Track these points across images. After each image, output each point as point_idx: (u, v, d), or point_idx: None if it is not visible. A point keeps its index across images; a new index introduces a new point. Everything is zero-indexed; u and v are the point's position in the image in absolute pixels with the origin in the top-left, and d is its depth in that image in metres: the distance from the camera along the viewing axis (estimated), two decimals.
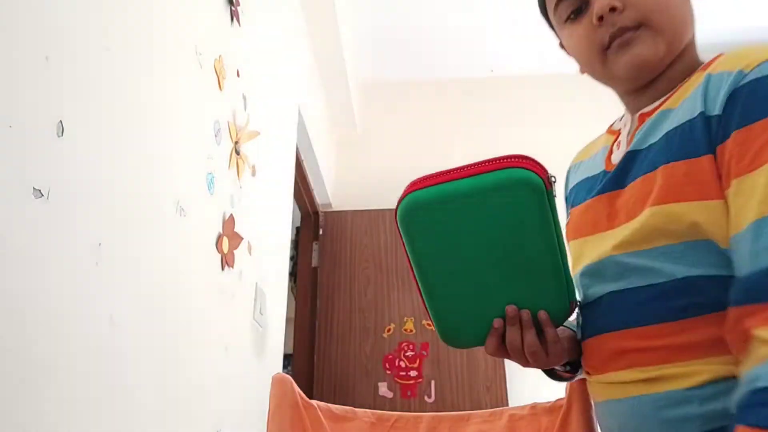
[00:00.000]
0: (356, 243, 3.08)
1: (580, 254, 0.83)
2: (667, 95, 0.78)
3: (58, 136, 0.83)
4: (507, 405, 2.63)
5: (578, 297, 0.83)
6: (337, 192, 3.38)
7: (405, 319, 2.92)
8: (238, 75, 1.61)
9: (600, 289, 0.77)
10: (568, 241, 0.86)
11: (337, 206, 3.31)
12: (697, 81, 0.73)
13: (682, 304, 0.68)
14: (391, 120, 3.59)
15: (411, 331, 2.89)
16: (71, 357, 0.84)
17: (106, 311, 0.93)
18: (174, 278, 1.18)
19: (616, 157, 0.81)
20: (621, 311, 0.74)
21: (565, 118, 3.27)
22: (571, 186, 0.95)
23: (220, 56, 1.47)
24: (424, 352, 2.84)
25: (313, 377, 2.82)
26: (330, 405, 1.43)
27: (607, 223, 0.78)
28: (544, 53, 3.46)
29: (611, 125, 0.92)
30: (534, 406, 1.37)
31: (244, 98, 1.65)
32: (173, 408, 1.16)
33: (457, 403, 2.70)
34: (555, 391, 1.13)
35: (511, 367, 2.82)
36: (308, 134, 2.65)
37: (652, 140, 0.75)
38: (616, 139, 0.85)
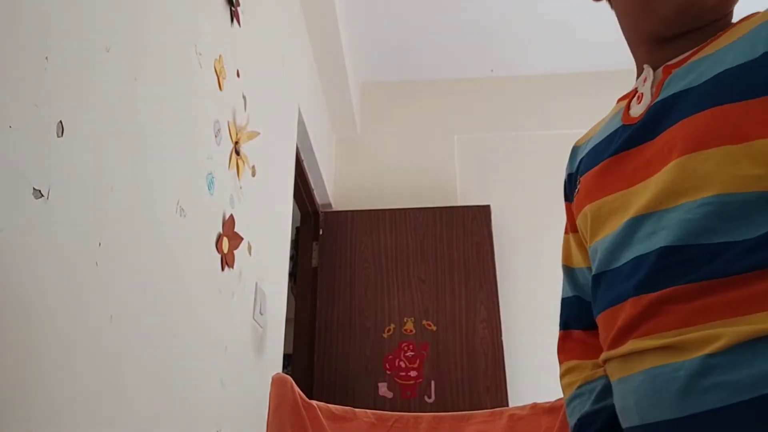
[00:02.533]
0: (356, 243, 3.08)
1: (599, 218, 0.76)
2: (696, 48, 0.73)
3: (58, 136, 0.83)
4: (507, 405, 2.63)
5: (593, 268, 0.78)
6: (337, 192, 3.38)
7: (405, 319, 2.92)
8: (238, 75, 1.61)
9: (626, 253, 0.70)
10: (580, 209, 0.81)
11: (337, 206, 3.31)
12: (743, 29, 0.69)
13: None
14: (391, 120, 3.59)
15: (411, 331, 2.89)
16: (71, 357, 0.84)
17: (106, 311, 0.93)
18: (174, 278, 1.18)
19: (638, 110, 0.75)
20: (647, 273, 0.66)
21: (566, 118, 3.27)
22: (578, 161, 0.89)
23: (220, 56, 1.47)
24: (424, 352, 2.84)
25: (313, 377, 2.82)
26: (330, 405, 1.43)
27: (634, 179, 0.71)
28: (544, 53, 3.47)
29: (619, 98, 0.87)
30: (534, 406, 1.37)
31: (244, 98, 1.65)
32: (173, 408, 1.16)
33: (457, 404, 2.70)
34: (555, 391, 1.13)
35: (511, 367, 2.82)
36: (308, 134, 2.65)
37: (693, 84, 0.69)
38: (632, 98, 0.79)
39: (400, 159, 3.45)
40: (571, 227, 0.91)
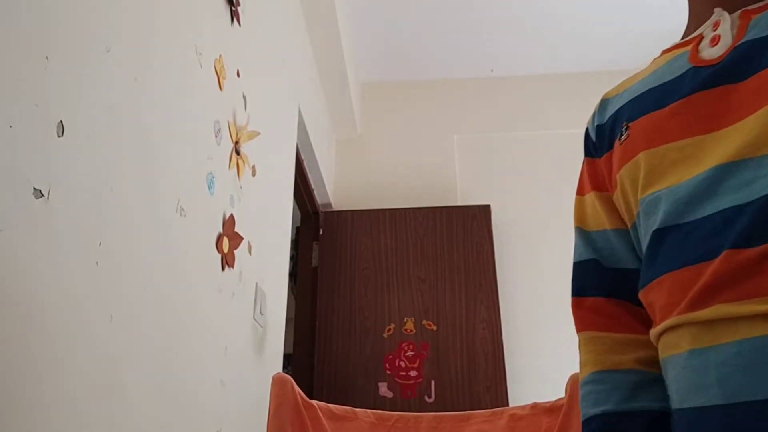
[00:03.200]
0: (356, 243, 3.08)
1: (661, 166, 0.67)
2: None
3: (58, 136, 0.83)
4: (507, 405, 2.63)
5: (649, 223, 0.68)
6: (337, 192, 3.39)
7: (405, 319, 2.92)
8: (238, 75, 1.61)
9: (712, 203, 0.61)
10: (627, 158, 0.72)
11: (337, 206, 3.31)
12: None
13: None
14: (391, 120, 3.60)
15: (411, 331, 2.89)
16: (71, 356, 0.84)
17: (106, 311, 0.93)
18: (174, 278, 1.18)
19: (716, 52, 0.67)
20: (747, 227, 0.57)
21: (566, 118, 3.27)
22: (613, 110, 0.79)
23: (220, 56, 1.47)
24: (424, 352, 2.84)
25: (313, 377, 2.82)
26: (330, 405, 1.43)
27: (714, 123, 0.63)
28: (544, 53, 3.47)
29: (664, 50, 0.79)
30: (534, 406, 1.37)
31: (244, 98, 1.65)
32: (173, 408, 1.16)
33: (457, 403, 2.70)
34: (555, 391, 1.13)
35: (511, 366, 2.82)
36: (308, 134, 2.65)
37: None
38: (697, 42, 0.71)
39: (400, 159, 3.45)
40: (594, 184, 0.82)
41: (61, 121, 0.83)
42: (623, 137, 0.74)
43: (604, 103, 0.84)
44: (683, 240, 0.63)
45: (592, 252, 0.80)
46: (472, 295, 2.93)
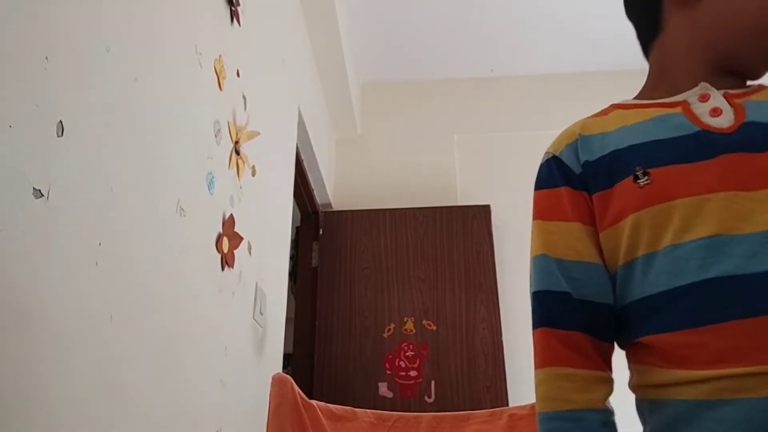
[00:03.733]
0: (356, 243, 3.08)
1: (704, 215, 0.70)
2: (743, 91, 0.80)
3: (58, 136, 0.83)
4: (507, 405, 2.63)
5: (689, 267, 0.70)
6: (337, 192, 3.39)
7: (405, 319, 2.92)
8: (238, 75, 1.61)
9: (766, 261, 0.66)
10: (661, 200, 0.74)
11: (337, 206, 3.31)
12: None
13: None
14: (391, 120, 3.60)
15: (411, 331, 2.89)
16: (71, 357, 0.84)
17: (106, 311, 0.93)
18: (174, 278, 1.18)
19: (723, 123, 0.76)
20: None
21: (565, 118, 3.27)
22: (609, 151, 0.81)
23: (220, 56, 1.47)
24: (424, 352, 2.84)
25: (313, 377, 2.82)
26: (330, 405, 1.43)
27: (752, 183, 0.70)
28: (544, 53, 3.47)
29: (617, 104, 0.87)
30: (534, 406, 1.37)
31: (244, 98, 1.66)
32: (173, 408, 1.16)
33: (457, 403, 2.70)
34: None
35: (511, 366, 2.82)
36: (308, 134, 2.65)
37: None
38: (686, 109, 0.80)
39: (400, 159, 3.45)
40: (579, 216, 0.81)
41: (61, 121, 0.83)
42: (643, 182, 0.75)
43: (584, 139, 0.84)
44: (748, 290, 0.66)
45: (567, 282, 0.79)
46: (472, 295, 2.93)
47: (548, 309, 0.80)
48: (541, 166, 0.88)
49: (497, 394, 2.74)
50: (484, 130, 3.52)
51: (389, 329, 2.91)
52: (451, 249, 3.03)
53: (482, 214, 3.10)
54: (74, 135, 0.86)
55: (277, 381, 1.33)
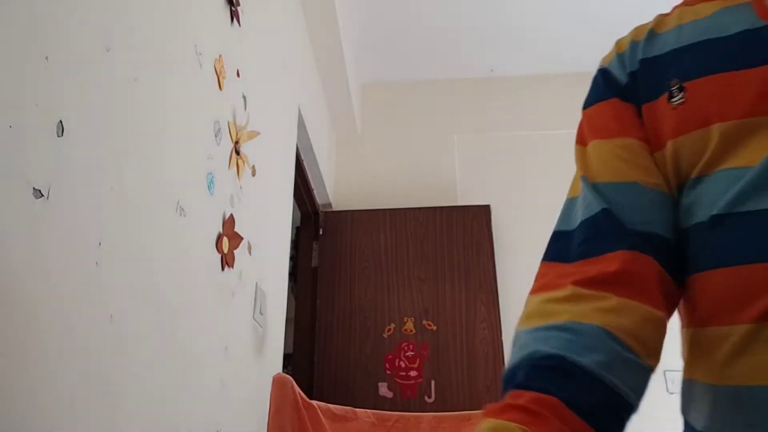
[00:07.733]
0: (356, 243, 3.08)
1: (736, 143, 0.55)
2: None
3: (58, 136, 0.83)
4: None
5: (710, 208, 0.56)
6: (337, 192, 3.39)
7: (405, 319, 2.92)
8: (238, 75, 1.61)
9: None
10: (697, 126, 0.58)
11: (337, 206, 3.31)
12: None
13: None
14: (391, 120, 3.60)
15: (411, 331, 2.89)
16: (71, 356, 0.84)
17: (106, 311, 0.93)
18: (174, 278, 1.18)
19: None
20: None
21: (566, 118, 3.27)
22: (653, 54, 0.65)
23: (220, 56, 1.47)
24: (424, 352, 2.84)
25: (313, 377, 2.82)
26: (330, 405, 1.43)
27: None
28: (544, 53, 3.47)
29: None
30: None
31: (244, 98, 1.65)
32: (173, 408, 1.16)
33: (457, 403, 2.70)
34: None
35: None
36: (308, 134, 2.65)
37: None
38: None
39: (400, 159, 3.45)
40: (627, 130, 0.64)
41: (60, 121, 0.83)
42: (676, 100, 0.60)
43: (633, 46, 0.68)
44: (749, 230, 0.52)
45: (608, 204, 0.62)
46: (472, 295, 2.93)
47: (573, 240, 0.66)
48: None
49: (497, 394, 2.73)
50: (483, 129, 3.52)
51: (389, 329, 2.91)
52: (451, 249, 3.03)
53: (482, 214, 3.10)
54: (74, 135, 0.86)
55: (277, 381, 1.33)
